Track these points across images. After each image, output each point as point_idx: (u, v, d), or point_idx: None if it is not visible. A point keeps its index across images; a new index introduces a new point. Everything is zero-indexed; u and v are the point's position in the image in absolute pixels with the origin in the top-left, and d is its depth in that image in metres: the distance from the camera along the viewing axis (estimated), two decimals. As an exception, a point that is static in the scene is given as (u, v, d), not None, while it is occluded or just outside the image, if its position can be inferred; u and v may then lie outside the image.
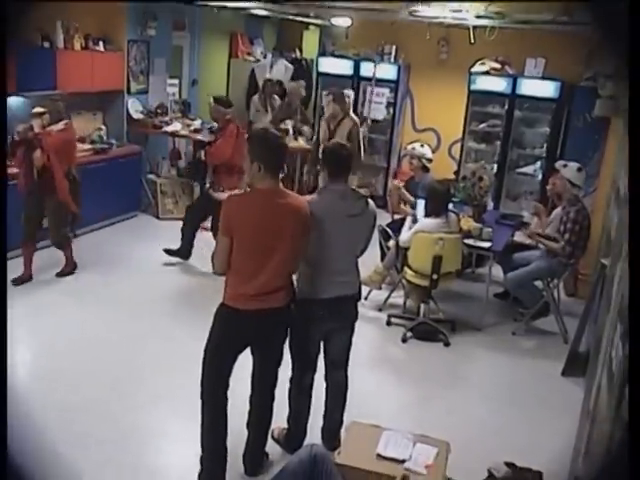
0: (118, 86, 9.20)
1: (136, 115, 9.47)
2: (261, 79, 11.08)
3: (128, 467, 4.28)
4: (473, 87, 10.18)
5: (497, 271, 7.30)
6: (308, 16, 10.38)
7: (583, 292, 7.06)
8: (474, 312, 7.16)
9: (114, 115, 9.39)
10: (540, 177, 9.87)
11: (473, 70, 10.15)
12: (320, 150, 7.84)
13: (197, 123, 9.83)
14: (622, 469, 1.20)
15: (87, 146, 8.68)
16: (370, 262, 6.79)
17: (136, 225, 9.22)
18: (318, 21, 10.98)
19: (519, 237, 7.24)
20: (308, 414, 4.55)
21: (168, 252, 7.91)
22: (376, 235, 6.88)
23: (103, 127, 9.15)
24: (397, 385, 5.82)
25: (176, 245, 7.85)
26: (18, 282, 6.75)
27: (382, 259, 7.37)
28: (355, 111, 9.49)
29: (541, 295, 6.92)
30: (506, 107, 10.07)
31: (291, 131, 10.10)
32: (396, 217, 7.68)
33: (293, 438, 4.52)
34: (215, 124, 8.28)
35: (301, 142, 9.96)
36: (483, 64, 10.09)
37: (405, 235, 6.56)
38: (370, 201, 4.42)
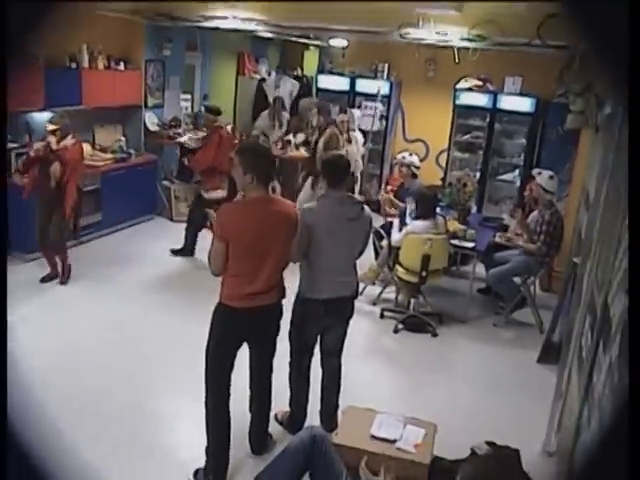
0: (137, 101, 9.23)
1: (152, 127, 9.49)
2: (270, 95, 11.11)
3: (142, 446, 4.31)
4: (458, 102, 10.19)
5: (480, 269, 7.31)
6: (308, 37, 10.37)
7: (557, 287, 7.07)
8: (459, 306, 7.18)
9: (133, 127, 9.42)
10: (518, 183, 9.87)
11: (458, 87, 10.16)
12: (317, 158, 7.91)
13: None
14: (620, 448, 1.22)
15: (109, 155, 8.71)
16: (365, 261, 6.80)
17: (152, 227, 9.24)
18: (317, 42, 10.98)
19: (500, 238, 7.26)
20: (307, 398, 4.57)
21: (174, 252, 7.98)
22: (371, 236, 6.93)
23: (123, 138, 9.17)
24: (389, 372, 5.84)
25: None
26: (46, 279, 6.79)
27: (376, 258, 7.40)
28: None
29: (519, 290, 6.95)
30: (487, 120, 10.08)
31: (294, 142, 10.13)
32: (388, 219, 7.71)
33: (295, 420, 4.53)
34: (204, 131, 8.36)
35: (302, 151, 9.98)
36: (466, 81, 10.11)
37: (396, 236, 6.59)
38: (366, 206, 4.45)
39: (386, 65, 10.98)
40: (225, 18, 7.58)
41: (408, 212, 6.75)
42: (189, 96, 10.45)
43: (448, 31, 6.65)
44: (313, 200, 4.46)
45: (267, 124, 10.48)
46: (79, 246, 7.87)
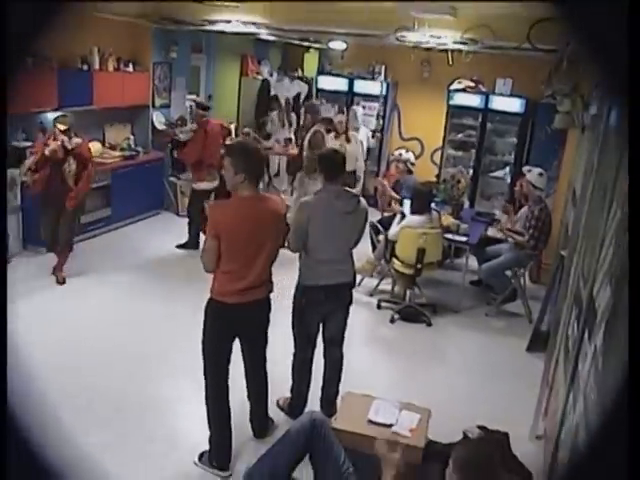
0: (145, 101, 9.23)
1: (160, 126, 9.48)
2: (281, 97, 11.10)
3: (147, 432, 4.33)
4: (451, 102, 10.19)
5: (472, 261, 7.34)
6: (309, 40, 10.38)
7: (545, 279, 7.09)
8: (452, 297, 7.20)
9: (141, 126, 9.42)
10: (509, 180, 9.87)
11: (451, 87, 10.17)
12: (304, 155, 7.91)
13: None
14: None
15: (118, 153, 8.73)
16: (362, 254, 6.85)
17: (159, 221, 9.26)
18: (317, 45, 10.97)
19: (491, 232, 7.28)
20: (309, 385, 4.58)
21: (179, 246, 8.00)
22: (368, 230, 6.94)
23: (131, 136, 9.20)
24: (386, 360, 5.86)
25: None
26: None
27: (373, 251, 7.43)
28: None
29: (510, 282, 6.97)
30: (480, 120, 10.08)
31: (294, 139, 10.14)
32: (385, 214, 7.72)
33: (295, 406, 4.55)
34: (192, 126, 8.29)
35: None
36: (460, 82, 10.12)
37: (393, 230, 6.61)
38: (362, 199, 4.45)
39: (383, 66, 10.97)
40: (229, 22, 7.58)
41: (407, 207, 6.77)
42: (194, 96, 10.45)
43: (442, 34, 6.65)
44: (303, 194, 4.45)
45: (277, 125, 10.49)
46: (90, 240, 7.90)
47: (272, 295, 4.01)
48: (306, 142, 8.04)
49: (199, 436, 4.09)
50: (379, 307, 6.84)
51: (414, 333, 6.40)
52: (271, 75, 11.97)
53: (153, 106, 9.40)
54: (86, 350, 5.32)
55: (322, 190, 4.33)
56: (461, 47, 6.89)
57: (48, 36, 1.05)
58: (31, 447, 1.04)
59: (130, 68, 8.83)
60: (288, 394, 4.65)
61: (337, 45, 9.98)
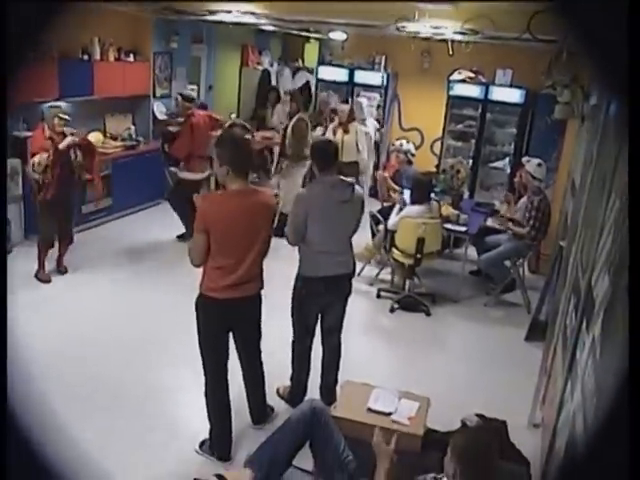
0: (145, 91, 9.20)
1: (160, 116, 9.46)
2: (284, 88, 11.06)
3: (148, 421, 4.35)
4: (451, 93, 10.14)
5: (472, 251, 7.35)
6: (309, 31, 10.33)
7: (544, 269, 7.09)
8: (452, 287, 7.21)
9: (142, 116, 9.40)
10: (509, 171, 9.84)
11: (451, 78, 10.12)
12: (287, 143, 7.88)
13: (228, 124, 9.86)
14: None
15: (119, 143, 8.73)
16: (362, 241, 6.85)
17: (160, 211, 9.23)
18: (318, 35, 10.93)
19: (491, 222, 7.27)
20: (308, 373, 4.60)
21: (180, 237, 8.00)
22: (368, 220, 6.95)
23: (132, 126, 9.17)
24: (385, 349, 5.88)
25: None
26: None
27: (373, 239, 7.45)
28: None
29: (509, 272, 6.98)
30: (479, 110, 10.03)
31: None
32: (385, 204, 7.72)
33: (295, 395, 4.57)
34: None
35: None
36: (460, 73, 10.07)
37: (393, 219, 6.61)
38: (357, 187, 4.43)
39: (383, 57, 10.93)
40: (229, 12, 7.55)
41: (407, 197, 6.77)
42: (195, 86, 10.40)
43: (443, 25, 6.63)
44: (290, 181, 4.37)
45: (281, 116, 10.42)
46: (91, 230, 7.90)
47: (273, 285, 4.00)
48: (289, 130, 7.98)
49: (200, 424, 4.10)
50: (379, 296, 6.85)
51: (413, 322, 6.41)
52: (271, 65, 11.94)
53: (154, 96, 9.38)
54: (87, 340, 5.33)
55: (317, 181, 4.32)
56: (461, 37, 6.86)
57: (50, 31, 1.05)
58: (31, 446, 1.04)
59: (131, 58, 8.80)
60: (288, 383, 4.66)
61: (337, 35, 9.94)
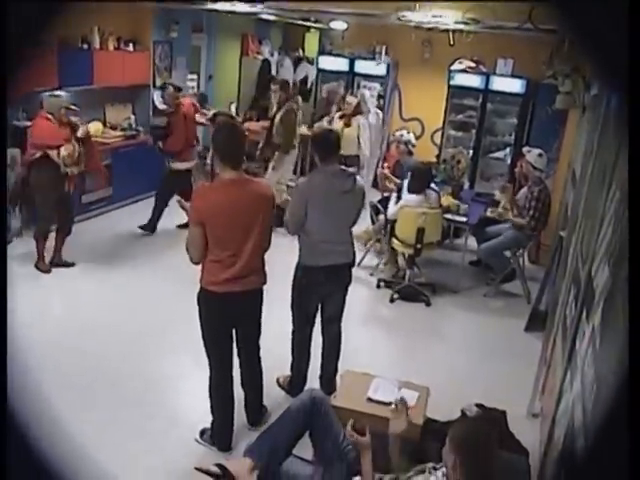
0: (145, 81, 9.16)
1: (161, 106, 9.42)
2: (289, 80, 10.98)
3: (148, 409, 4.36)
4: (452, 83, 10.13)
5: (472, 242, 7.34)
6: (309, 20, 10.29)
7: (544, 260, 7.10)
8: (452, 277, 7.21)
9: (142, 106, 9.36)
10: (509, 161, 9.84)
11: (452, 68, 10.10)
12: (274, 132, 7.83)
13: (211, 113, 9.81)
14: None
15: (119, 133, 8.70)
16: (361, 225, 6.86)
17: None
18: (318, 24, 10.89)
19: (491, 213, 7.27)
20: (308, 363, 4.60)
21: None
22: (368, 210, 6.95)
23: (132, 116, 9.13)
24: (385, 339, 5.90)
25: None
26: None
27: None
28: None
29: (509, 262, 6.98)
30: (480, 100, 10.02)
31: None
32: (385, 194, 7.71)
33: (295, 384, 4.58)
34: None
35: (303, 128, 9.93)
36: (461, 63, 10.05)
37: (392, 209, 6.61)
38: (358, 178, 4.43)
39: (384, 47, 10.90)
40: (230, 0, 7.52)
41: (405, 187, 6.76)
42: (195, 76, 10.42)
43: (443, 14, 6.60)
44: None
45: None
46: (91, 220, 7.90)
47: (271, 277, 3.94)
48: (278, 120, 7.91)
49: (200, 413, 4.12)
50: (378, 287, 6.85)
51: (413, 312, 6.42)
52: (272, 55, 11.90)
53: (154, 86, 9.34)
54: (86, 330, 5.34)
55: (318, 170, 4.30)
56: (462, 27, 6.84)
57: (51, 27, 1.05)
58: (29, 441, 1.04)
59: (130, 47, 8.76)
60: (288, 372, 4.67)
61: (338, 25, 9.90)
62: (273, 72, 11.59)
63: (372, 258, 7.37)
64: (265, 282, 3.89)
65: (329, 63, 11.35)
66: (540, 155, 6.71)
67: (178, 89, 7.85)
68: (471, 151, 10.06)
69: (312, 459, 3.32)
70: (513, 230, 6.78)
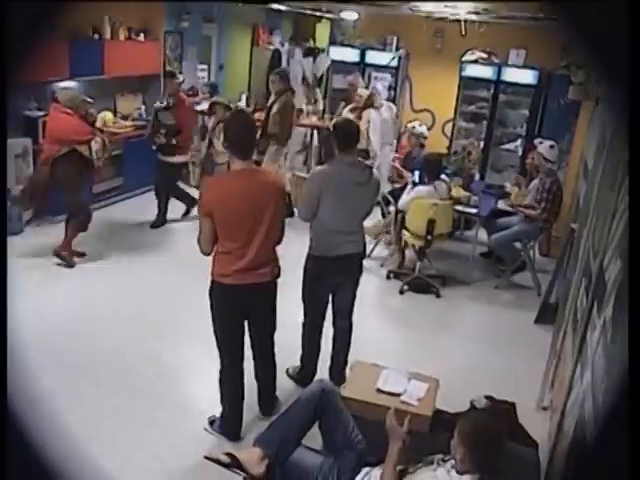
0: (156, 71, 9.14)
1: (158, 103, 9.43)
2: (308, 72, 10.93)
3: (158, 398, 4.38)
4: (464, 74, 10.07)
5: (482, 233, 7.32)
6: (320, 10, 10.30)
7: (555, 252, 7.07)
8: (462, 269, 7.21)
9: (152, 96, 9.30)
10: (520, 152, 9.78)
11: (464, 59, 10.05)
12: (270, 122, 7.78)
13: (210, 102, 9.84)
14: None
15: (129, 123, 8.72)
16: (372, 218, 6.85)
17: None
18: (329, 15, 10.89)
19: (502, 205, 7.24)
20: (318, 354, 4.61)
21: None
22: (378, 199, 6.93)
23: (143, 106, 9.15)
24: (395, 330, 5.89)
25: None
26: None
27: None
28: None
29: (519, 255, 6.96)
30: (492, 91, 9.96)
31: (306, 110, 10.00)
32: (396, 185, 7.69)
33: (305, 375, 4.58)
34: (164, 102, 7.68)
35: (313, 119, 9.93)
36: (473, 54, 10.00)
37: (404, 199, 6.60)
38: (375, 171, 4.43)
39: (395, 37, 10.86)
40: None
41: (416, 178, 6.75)
42: (206, 66, 10.41)
43: (455, 4, 6.58)
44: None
45: (303, 100, 10.32)
46: (102, 209, 7.93)
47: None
48: (274, 110, 7.88)
49: (210, 403, 4.13)
50: (388, 278, 6.85)
51: (423, 304, 6.42)
52: (282, 45, 11.87)
53: (164, 76, 9.35)
54: (97, 319, 5.37)
55: (335, 160, 4.30)
56: (474, 17, 6.82)
57: (58, 20, 1.06)
58: (31, 445, 1.04)
59: (141, 37, 8.76)
60: (298, 362, 4.68)
61: (349, 15, 9.90)
62: (284, 62, 11.55)
63: (382, 249, 7.37)
64: (278, 275, 3.85)
65: (340, 54, 11.32)
66: (552, 147, 6.68)
67: (175, 75, 7.75)
68: (482, 142, 10.01)
69: (321, 449, 3.33)
70: (524, 222, 6.76)
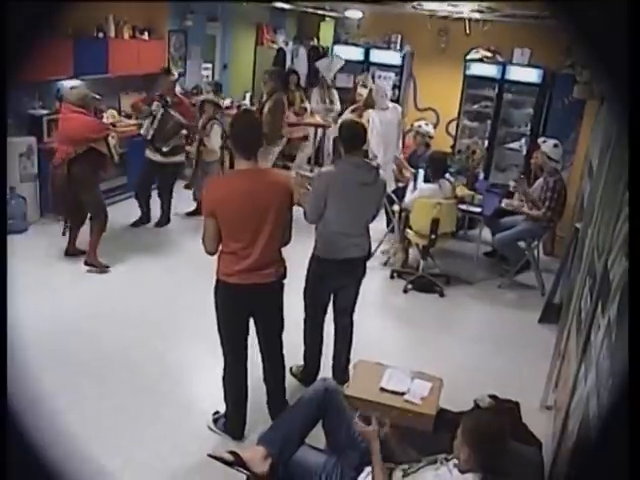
0: (160, 70, 9.17)
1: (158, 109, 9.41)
2: (325, 74, 10.86)
3: (162, 396, 4.39)
4: (468, 72, 10.05)
5: (486, 233, 7.31)
6: (324, 9, 10.29)
7: (559, 251, 7.06)
8: (466, 268, 7.20)
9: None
10: (525, 152, 9.75)
11: (468, 58, 10.02)
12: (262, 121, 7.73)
13: (227, 102, 9.83)
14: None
15: (133, 121, 8.70)
16: (377, 224, 6.82)
17: (175, 190, 9.24)
18: (333, 13, 10.88)
19: (506, 204, 7.23)
20: (320, 352, 4.61)
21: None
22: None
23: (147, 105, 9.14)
24: (398, 329, 5.89)
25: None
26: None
27: (387, 222, 7.45)
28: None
29: (523, 254, 6.95)
30: (496, 90, 9.94)
31: (310, 109, 9.98)
32: (400, 185, 7.68)
33: (308, 374, 4.59)
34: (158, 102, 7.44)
35: (317, 118, 9.91)
36: (477, 52, 9.97)
37: (408, 198, 6.60)
38: (381, 172, 4.42)
39: (399, 36, 10.84)
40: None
41: (421, 177, 6.74)
42: (210, 65, 10.42)
43: (460, 3, 6.57)
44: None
45: (318, 101, 10.29)
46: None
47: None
48: (266, 110, 7.84)
49: (214, 402, 4.14)
50: (392, 277, 6.84)
51: (427, 303, 6.41)
52: (287, 44, 11.86)
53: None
54: (102, 317, 5.37)
55: (341, 161, 4.30)
56: (478, 16, 6.80)
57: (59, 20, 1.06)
58: (31, 445, 1.04)
59: (145, 36, 8.77)
60: (301, 361, 4.68)
61: (353, 14, 9.89)
62: (288, 61, 11.54)
63: (386, 249, 7.36)
64: (284, 276, 3.82)
65: (344, 52, 11.28)
66: (556, 146, 6.67)
67: (170, 71, 7.64)
68: (486, 141, 9.99)
69: (325, 448, 3.33)
70: (528, 221, 6.75)
